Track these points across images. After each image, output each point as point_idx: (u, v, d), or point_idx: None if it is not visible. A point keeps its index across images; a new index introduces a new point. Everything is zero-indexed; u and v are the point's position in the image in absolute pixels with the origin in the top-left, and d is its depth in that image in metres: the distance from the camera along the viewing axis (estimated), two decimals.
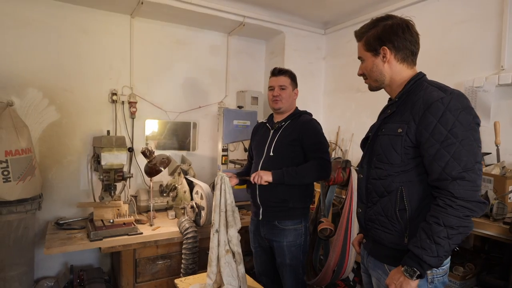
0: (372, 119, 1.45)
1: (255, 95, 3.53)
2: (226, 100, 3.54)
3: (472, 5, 2.38)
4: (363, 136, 1.45)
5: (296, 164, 1.91)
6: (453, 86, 2.39)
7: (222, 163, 2.93)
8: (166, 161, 2.41)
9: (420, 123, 1.16)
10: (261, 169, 1.95)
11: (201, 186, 2.40)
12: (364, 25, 1.35)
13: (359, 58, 1.40)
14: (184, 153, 3.30)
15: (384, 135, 1.28)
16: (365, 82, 1.43)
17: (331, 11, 3.28)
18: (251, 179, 1.86)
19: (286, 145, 1.94)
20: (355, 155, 3.22)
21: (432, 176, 1.14)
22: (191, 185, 2.65)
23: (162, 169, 2.39)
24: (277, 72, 2.03)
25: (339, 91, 3.57)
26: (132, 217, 2.43)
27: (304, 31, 3.55)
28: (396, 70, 1.31)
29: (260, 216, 2.01)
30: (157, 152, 2.56)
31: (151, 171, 2.36)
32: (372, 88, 1.41)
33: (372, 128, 1.42)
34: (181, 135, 3.33)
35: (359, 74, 1.43)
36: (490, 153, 2.23)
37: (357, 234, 1.59)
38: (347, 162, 2.53)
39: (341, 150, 3.37)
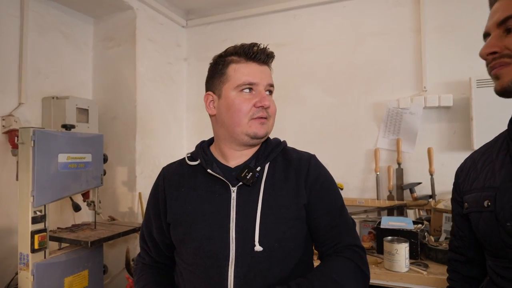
0: None
1: (82, 106, 2.02)
2: (21, 112, 1.83)
3: (386, 16, 2.13)
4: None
5: (304, 267, 0.84)
6: (371, 106, 2.14)
7: (33, 250, 1.32)
8: None
9: None
10: None
11: None
12: None
13: (502, 22, 0.67)
14: None
15: None
16: (495, 73, 0.69)
17: None
18: None
19: (287, 222, 0.82)
20: None
21: None
22: None
23: None
24: (264, 55, 0.84)
25: None
26: None
27: (162, 15, 2.40)
28: None
29: None
30: None
31: None
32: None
33: None
34: None
35: (488, 53, 0.69)
36: (421, 183, 1.99)
37: None
38: None
39: None
